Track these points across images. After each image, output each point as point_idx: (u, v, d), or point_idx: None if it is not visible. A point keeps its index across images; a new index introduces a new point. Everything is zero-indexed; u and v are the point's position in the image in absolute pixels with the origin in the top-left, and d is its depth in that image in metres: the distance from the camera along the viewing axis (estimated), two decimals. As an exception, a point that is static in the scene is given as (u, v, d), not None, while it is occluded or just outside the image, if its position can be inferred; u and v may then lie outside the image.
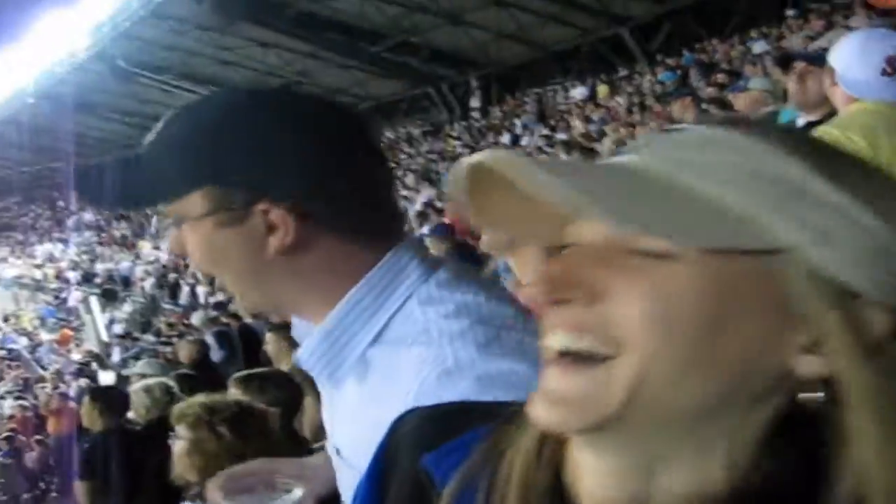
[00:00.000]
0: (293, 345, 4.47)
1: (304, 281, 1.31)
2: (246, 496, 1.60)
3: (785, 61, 4.81)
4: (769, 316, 0.68)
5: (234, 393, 4.03)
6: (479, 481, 0.78)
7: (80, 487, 6.22)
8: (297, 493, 1.63)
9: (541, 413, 0.70)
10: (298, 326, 1.45)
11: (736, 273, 0.68)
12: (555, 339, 0.70)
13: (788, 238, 0.67)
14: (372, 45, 27.53)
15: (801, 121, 4.38)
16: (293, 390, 4.44)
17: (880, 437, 0.66)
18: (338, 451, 1.40)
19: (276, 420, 3.42)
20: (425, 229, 10.62)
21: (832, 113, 3.85)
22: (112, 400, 6.59)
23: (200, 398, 3.28)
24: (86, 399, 6.75)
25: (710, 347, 0.67)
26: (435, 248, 8.79)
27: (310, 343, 1.34)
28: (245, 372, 4.65)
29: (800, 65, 4.35)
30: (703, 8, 22.42)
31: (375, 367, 1.29)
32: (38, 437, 17.28)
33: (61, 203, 49.05)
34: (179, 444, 3.16)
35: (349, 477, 1.27)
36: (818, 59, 4.13)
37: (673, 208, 0.68)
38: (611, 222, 0.66)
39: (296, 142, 1.29)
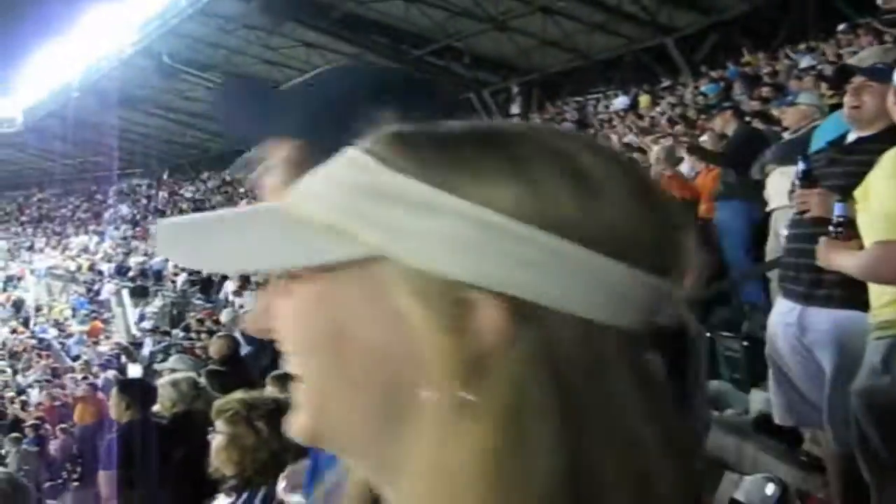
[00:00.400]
0: None
1: None
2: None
3: (843, 75, 4.68)
4: (387, 321, 0.66)
5: (270, 390, 4.24)
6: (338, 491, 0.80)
7: (104, 477, 6.18)
8: None
9: (289, 429, 0.75)
10: None
11: (345, 285, 0.68)
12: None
13: (371, 241, 0.66)
14: (415, 48, 27.58)
15: (852, 136, 4.22)
16: None
17: (425, 472, 0.65)
18: None
19: None
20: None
21: (890, 129, 3.79)
22: (139, 392, 6.57)
23: (239, 395, 3.38)
24: (114, 391, 6.75)
25: (340, 358, 0.68)
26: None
27: None
28: (282, 370, 4.67)
29: (858, 79, 4.21)
30: (750, 21, 22.19)
31: None
32: (62, 425, 17.29)
33: (99, 196, 49.49)
34: (218, 439, 3.24)
35: None
36: (878, 74, 4.04)
37: (269, 238, 0.71)
38: (188, 265, 0.76)
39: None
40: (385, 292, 0.66)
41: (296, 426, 0.73)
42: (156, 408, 6.62)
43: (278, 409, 3.22)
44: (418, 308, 0.65)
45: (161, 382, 6.76)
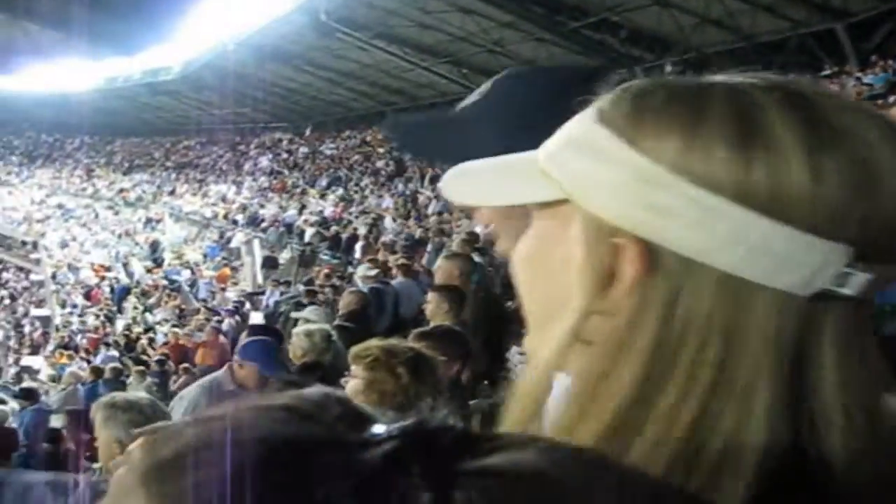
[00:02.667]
0: (451, 306, 6.57)
1: None
2: None
3: None
4: (565, 258, 0.75)
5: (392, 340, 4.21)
6: None
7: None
8: None
9: None
10: None
11: (545, 222, 0.78)
12: None
13: (562, 185, 0.74)
14: (572, 20, 26.85)
15: None
16: (466, 347, 5.04)
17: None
18: None
19: (445, 370, 3.66)
20: None
21: None
22: (270, 338, 6.80)
23: (377, 342, 3.52)
24: (244, 335, 7.15)
25: (536, 287, 0.80)
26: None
27: None
28: (424, 328, 5.14)
29: None
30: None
31: None
32: (185, 365, 17.61)
33: (242, 147, 50.45)
34: (354, 383, 3.34)
35: None
36: None
37: (508, 179, 0.82)
38: (452, 199, 0.91)
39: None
40: (569, 232, 0.74)
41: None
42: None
43: (417, 358, 3.41)
44: (582, 248, 0.73)
45: (296, 331, 7.01)
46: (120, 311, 28.77)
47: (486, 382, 6.87)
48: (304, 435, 0.50)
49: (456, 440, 0.51)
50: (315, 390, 0.55)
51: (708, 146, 0.67)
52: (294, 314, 13.96)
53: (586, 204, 0.72)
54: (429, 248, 17.44)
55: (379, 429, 0.51)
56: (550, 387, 0.73)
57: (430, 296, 6.73)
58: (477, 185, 0.85)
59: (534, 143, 1.15)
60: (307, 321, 8.70)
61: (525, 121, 1.29)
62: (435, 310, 6.46)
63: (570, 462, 0.54)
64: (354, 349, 3.53)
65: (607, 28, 26.42)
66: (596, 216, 0.71)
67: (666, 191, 0.67)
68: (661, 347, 0.67)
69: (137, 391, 14.59)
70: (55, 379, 20.08)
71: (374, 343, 3.50)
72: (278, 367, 6.36)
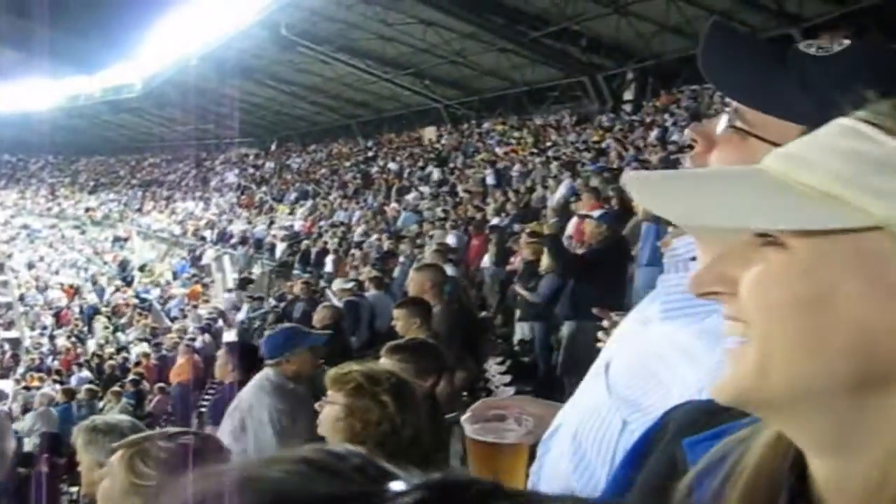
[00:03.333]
0: (421, 320, 6.38)
1: None
2: (493, 423, 1.71)
3: None
4: (877, 293, 0.68)
5: (384, 361, 4.22)
6: (721, 466, 0.81)
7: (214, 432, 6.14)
8: (527, 426, 1.71)
9: (713, 388, 0.78)
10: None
11: (834, 254, 0.70)
12: (725, 328, 0.78)
13: (875, 212, 0.68)
14: (532, 29, 27.10)
15: None
16: (440, 360, 4.81)
17: None
18: (606, 368, 1.49)
19: (424, 391, 3.55)
20: (596, 212, 10.67)
21: None
22: (244, 355, 6.78)
23: (356, 366, 3.39)
24: (222, 351, 7.12)
25: (816, 326, 0.70)
26: (595, 232, 9.36)
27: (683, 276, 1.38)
28: (397, 341, 4.92)
29: None
30: (885, 11, 20.88)
31: (707, 329, 1.27)
32: (160, 384, 17.66)
33: (207, 163, 50.40)
34: (333, 408, 3.24)
35: (594, 393, 1.46)
36: None
37: (755, 199, 0.73)
38: (673, 219, 0.79)
39: None
40: (881, 263, 0.68)
41: (727, 385, 0.75)
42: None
43: (400, 382, 3.31)
44: None
45: None
46: (90, 331, 28.71)
47: (465, 394, 7.03)
48: (324, 491, 0.50)
49: (481, 494, 0.50)
50: (336, 446, 0.56)
51: None
52: (268, 332, 14.04)
53: None
54: (401, 259, 17.62)
55: (400, 484, 0.51)
56: None
57: (397, 312, 6.62)
58: (713, 200, 0.75)
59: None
60: None
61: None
62: (406, 325, 6.37)
63: None
64: (333, 372, 3.40)
65: (568, 37, 26.70)
66: None
67: None
68: None
69: (114, 413, 14.68)
70: (26, 408, 19.65)
71: (353, 367, 3.37)
72: (313, 337, 6.21)
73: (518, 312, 10.96)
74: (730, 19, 23.13)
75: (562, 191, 16.72)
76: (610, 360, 1.52)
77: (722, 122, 1.35)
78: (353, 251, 21.04)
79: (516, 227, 14.88)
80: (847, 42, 1.29)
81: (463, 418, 1.69)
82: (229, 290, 25.10)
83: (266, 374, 5.66)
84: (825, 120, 1.04)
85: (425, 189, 25.90)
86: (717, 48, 1.40)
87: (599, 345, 1.92)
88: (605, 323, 2.07)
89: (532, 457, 1.66)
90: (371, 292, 13.10)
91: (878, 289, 0.67)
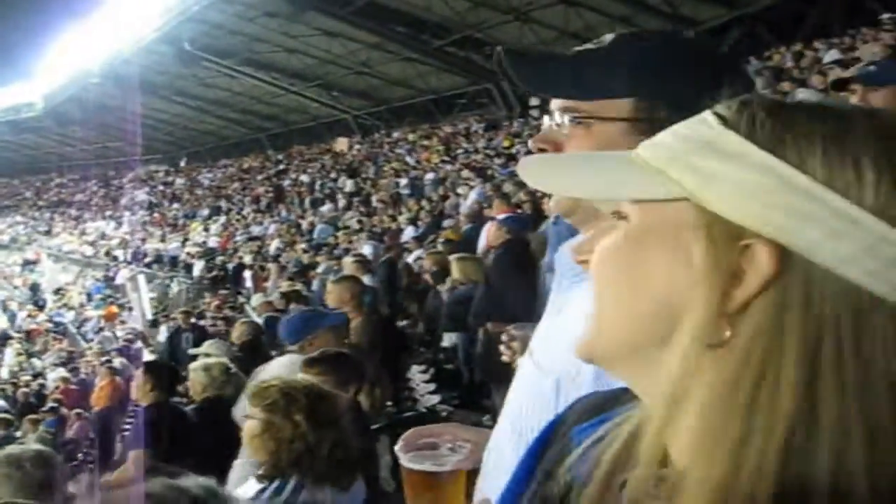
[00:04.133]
0: (355, 295, 6.86)
1: None
2: (428, 451, 1.69)
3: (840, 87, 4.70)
4: (679, 260, 0.75)
5: (301, 376, 4.09)
6: (602, 442, 0.88)
7: (136, 456, 6.06)
8: (463, 451, 1.68)
9: (574, 350, 0.85)
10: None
11: (653, 223, 0.77)
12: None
13: (686, 186, 0.74)
14: (436, 38, 27.48)
15: None
16: (360, 370, 4.76)
17: (668, 394, 0.74)
18: (531, 354, 1.56)
19: (346, 403, 3.58)
20: (501, 216, 10.57)
21: None
22: (164, 375, 6.59)
23: (277, 381, 3.37)
24: (139, 371, 6.75)
25: (634, 287, 0.77)
26: (497, 235, 9.38)
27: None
28: (316, 353, 4.79)
29: (857, 86, 4.24)
30: (774, 14, 21.96)
31: None
32: (78, 410, 17.37)
33: (116, 182, 49.62)
34: (253, 424, 3.23)
35: (528, 378, 1.53)
36: (875, 78, 4.15)
37: (608, 175, 0.81)
38: (537, 186, 0.87)
39: (714, 76, 1.39)
40: (681, 232, 0.75)
41: (579, 347, 0.84)
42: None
43: (316, 401, 3.29)
44: (704, 248, 0.73)
45: (193, 367, 6.78)
46: (2, 358, 28.13)
47: (389, 403, 7.22)
48: None
49: None
50: (186, 478, 0.66)
51: (856, 162, 0.69)
52: (192, 350, 13.99)
53: (714, 204, 0.73)
54: (319, 271, 17.74)
55: None
56: (686, 396, 0.72)
57: (330, 286, 6.61)
58: (577, 176, 0.84)
59: (665, 95, 1.42)
60: (207, 356, 8.14)
61: (664, 78, 1.46)
62: (338, 300, 6.44)
63: None
64: (252, 387, 3.41)
65: (471, 45, 27.08)
66: (722, 217, 0.72)
67: (810, 198, 0.69)
68: (807, 350, 0.68)
69: (31, 442, 14.55)
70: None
71: (272, 382, 3.37)
72: (331, 317, 6.13)
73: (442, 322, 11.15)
74: (628, 24, 23.81)
75: (473, 196, 16.97)
76: (533, 349, 1.58)
77: (558, 123, 1.51)
78: (269, 265, 21.09)
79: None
80: (612, 36, 1.52)
81: (396, 448, 1.69)
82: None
83: (291, 358, 5.55)
84: (635, 89, 1.44)
85: (340, 201, 26.02)
86: (525, 65, 1.54)
87: (504, 358, 2.03)
88: (504, 336, 2.09)
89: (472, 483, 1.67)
90: (293, 306, 13.17)
91: (680, 255, 0.74)
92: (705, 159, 0.74)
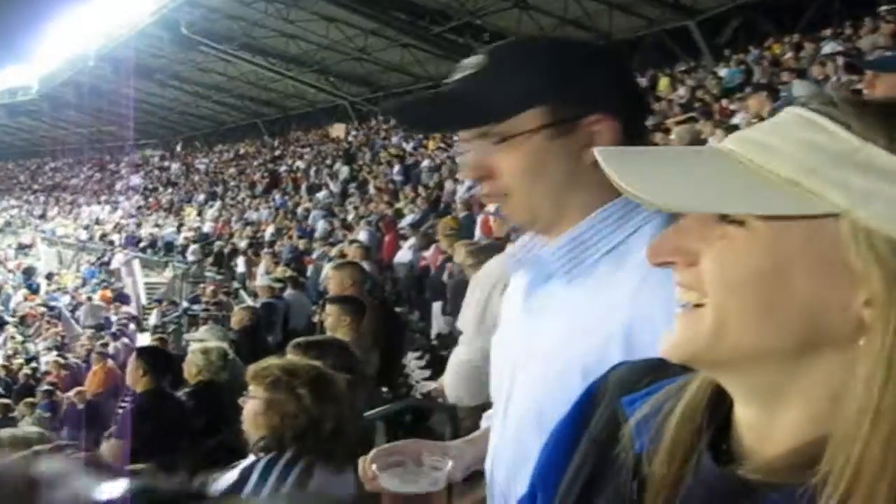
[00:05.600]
0: (352, 318, 6.14)
1: (588, 191, 1.51)
2: (399, 469, 1.73)
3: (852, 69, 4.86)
4: (828, 273, 0.76)
5: (290, 357, 4.08)
6: (657, 415, 0.93)
7: (112, 446, 6.08)
8: (447, 466, 1.75)
9: (663, 347, 0.87)
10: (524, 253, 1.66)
11: (792, 236, 0.78)
12: (677, 294, 0.86)
13: (836, 202, 0.75)
14: (435, 24, 27.36)
15: None
16: (351, 358, 4.71)
17: (869, 406, 0.74)
18: (529, 354, 1.57)
19: (345, 386, 3.48)
20: (492, 207, 10.54)
21: None
22: (158, 360, 6.58)
23: (276, 360, 3.40)
24: (132, 357, 6.73)
25: (771, 299, 0.78)
26: (499, 226, 9.39)
27: (557, 243, 1.54)
28: (304, 338, 4.81)
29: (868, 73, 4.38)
30: (774, 4, 21.90)
31: (602, 273, 1.50)
32: (71, 394, 17.34)
33: (112, 166, 49.54)
34: (254, 403, 3.24)
35: (545, 372, 1.51)
36: (885, 65, 4.27)
37: (725, 183, 0.80)
38: (650, 203, 0.80)
39: (612, 66, 1.57)
40: (836, 248, 0.76)
41: (679, 345, 0.85)
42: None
43: (319, 377, 3.30)
44: (873, 266, 0.74)
45: (192, 349, 6.84)
46: (-4, 342, 28.07)
47: (384, 389, 7.17)
48: None
49: None
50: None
51: None
52: (187, 335, 13.98)
53: (871, 222, 0.74)
54: (314, 257, 17.72)
55: None
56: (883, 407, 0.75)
57: (330, 308, 6.46)
58: (686, 184, 0.81)
59: (571, 94, 1.48)
60: (202, 340, 8.34)
61: (566, 72, 1.50)
62: (335, 322, 6.27)
63: None
64: (253, 368, 3.39)
65: (470, 32, 26.99)
66: (882, 233, 0.74)
67: None
68: None
69: (26, 425, 14.52)
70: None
71: (273, 361, 3.38)
72: None
73: (437, 306, 11.14)
74: (626, 12, 23.84)
75: (468, 184, 16.96)
76: (529, 354, 1.57)
77: (482, 148, 1.52)
78: (264, 251, 21.04)
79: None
80: (482, 60, 1.53)
81: (374, 468, 1.73)
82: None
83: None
84: (540, 97, 1.47)
85: (335, 187, 25.96)
86: (421, 110, 1.60)
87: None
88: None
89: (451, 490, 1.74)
90: (289, 292, 13.16)
91: (830, 270, 0.76)
92: (852, 175, 0.75)
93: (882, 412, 0.73)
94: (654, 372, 1.01)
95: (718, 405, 0.89)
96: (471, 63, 1.54)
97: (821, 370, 0.79)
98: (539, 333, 1.58)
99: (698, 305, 0.83)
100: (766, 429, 0.83)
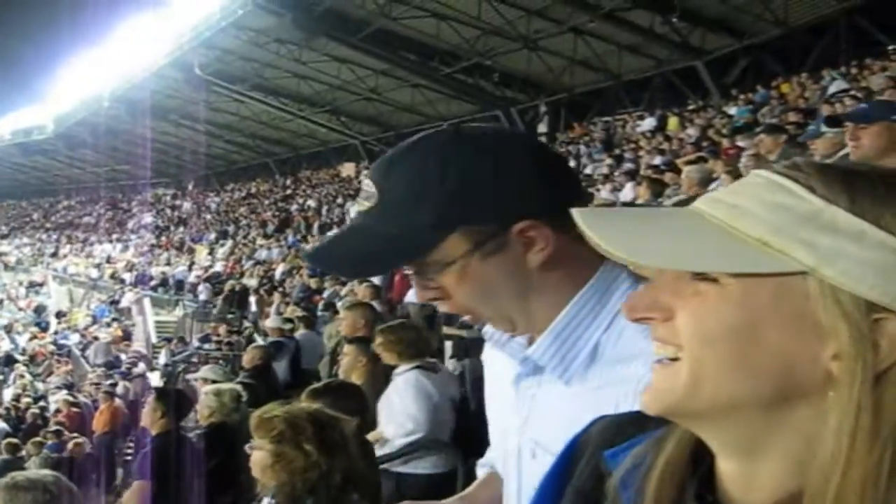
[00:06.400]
0: (368, 359, 6.19)
1: (550, 291, 1.45)
2: None
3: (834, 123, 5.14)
4: (798, 328, 0.79)
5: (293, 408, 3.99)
6: (642, 466, 0.94)
7: (138, 487, 6.09)
8: None
9: (641, 400, 0.88)
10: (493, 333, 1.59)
11: (763, 293, 0.80)
12: (654, 348, 0.88)
13: (803, 261, 0.78)
14: (445, 65, 27.58)
15: None
16: (363, 400, 4.73)
17: (840, 454, 0.77)
18: (536, 444, 1.51)
19: (352, 428, 3.45)
20: None
21: None
22: (176, 402, 6.53)
23: (277, 409, 3.35)
24: (151, 398, 6.72)
25: (744, 353, 0.81)
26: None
27: (541, 343, 1.46)
28: (321, 384, 4.86)
29: (849, 125, 4.55)
30: (781, 45, 22.11)
31: (599, 371, 1.43)
32: (77, 434, 17.28)
33: (124, 205, 49.73)
34: (261, 455, 3.23)
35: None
36: (864, 116, 4.44)
37: (698, 242, 0.83)
38: (628, 260, 0.84)
39: (523, 164, 1.44)
40: (803, 305, 0.79)
41: (657, 398, 0.86)
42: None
43: (323, 427, 3.26)
44: (840, 322, 0.77)
45: (206, 390, 6.83)
46: (6, 381, 28.03)
47: None
48: None
49: None
50: None
51: None
52: (189, 376, 13.87)
53: (837, 279, 0.77)
54: (324, 295, 17.69)
55: None
56: (852, 455, 0.78)
57: (348, 348, 6.46)
58: (662, 242, 0.85)
59: (483, 210, 1.38)
60: (205, 380, 8.38)
61: (474, 189, 1.39)
62: (352, 363, 6.29)
63: None
64: (256, 416, 3.39)
65: (480, 72, 27.19)
66: (846, 291, 0.77)
67: None
68: None
69: (34, 465, 14.44)
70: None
71: (276, 412, 3.34)
72: None
73: (449, 349, 11.08)
74: (637, 53, 23.96)
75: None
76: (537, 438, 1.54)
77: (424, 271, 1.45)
78: (276, 290, 21.03)
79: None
80: (373, 187, 1.43)
81: None
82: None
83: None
84: (453, 223, 1.37)
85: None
86: (339, 258, 1.51)
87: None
88: None
89: None
90: (301, 332, 13.11)
91: (800, 325, 0.79)
92: (817, 235, 0.78)
93: (852, 462, 0.76)
94: (635, 424, 1.01)
95: (702, 456, 0.91)
96: (364, 191, 1.45)
97: (795, 422, 0.81)
98: (542, 425, 1.53)
99: (674, 359, 0.85)
100: (748, 480, 0.86)
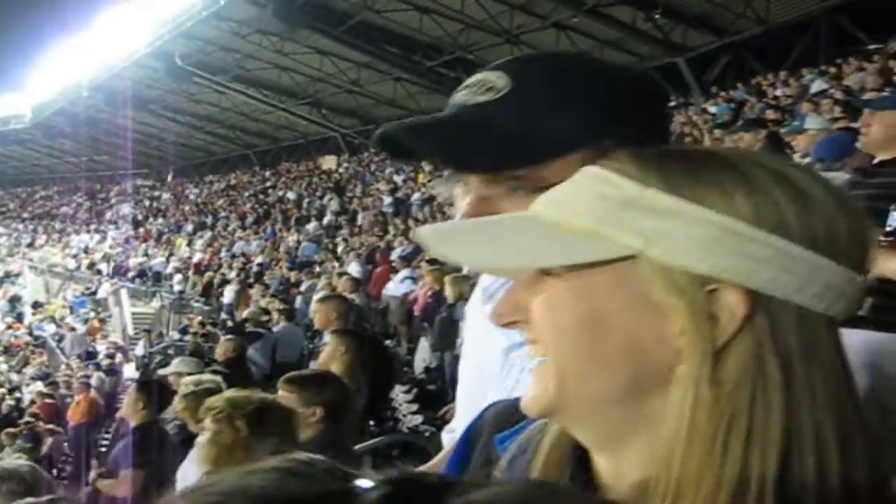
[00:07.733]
0: (348, 350, 5.82)
1: None
2: None
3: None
4: (640, 311, 0.80)
5: (281, 393, 4.10)
6: (526, 452, 0.95)
7: (133, 476, 6.09)
8: None
9: (521, 405, 0.89)
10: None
11: (601, 281, 0.81)
12: (528, 351, 0.88)
13: (631, 245, 0.79)
14: (427, 58, 27.58)
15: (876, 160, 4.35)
16: (341, 391, 4.68)
17: (682, 426, 0.78)
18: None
19: (297, 419, 3.47)
20: None
21: None
22: (156, 394, 6.60)
23: (229, 393, 3.42)
24: (132, 389, 6.78)
25: (596, 342, 0.81)
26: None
27: None
28: (297, 373, 4.77)
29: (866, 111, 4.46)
30: (762, 42, 22.25)
31: None
32: (54, 424, 17.20)
33: (102, 195, 49.43)
34: (203, 435, 3.27)
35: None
36: (880, 104, 4.36)
37: (532, 241, 0.85)
38: (466, 264, 0.94)
39: (657, 93, 1.41)
40: (641, 287, 0.80)
41: (533, 401, 0.87)
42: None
43: (262, 409, 3.27)
44: (675, 299, 0.78)
45: (185, 382, 6.61)
46: (-20, 371, 27.81)
47: (371, 423, 7.08)
48: (298, 491, 0.53)
49: (439, 482, 0.55)
50: (300, 454, 0.59)
51: (773, 201, 0.78)
52: (161, 371, 13.76)
53: (666, 258, 0.78)
54: (302, 288, 17.64)
55: (365, 482, 0.54)
56: (695, 433, 0.78)
57: (329, 338, 6.38)
58: (498, 245, 0.87)
59: (622, 135, 1.19)
60: (178, 374, 8.14)
61: (611, 111, 1.26)
62: (331, 353, 6.18)
63: (549, 492, 0.63)
64: (207, 401, 3.41)
65: (462, 66, 27.14)
66: (684, 269, 0.78)
67: (755, 241, 0.77)
68: (784, 377, 0.76)
69: (9, 456, 14.32)
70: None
71: (225, 394, 3.41)
72: None
73: (426, 341, 11.07)
74: (619, 49, 24.00)
75: (458, 217, 16.87)
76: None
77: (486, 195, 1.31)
78: (253, 282, 20.93)
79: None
80: (506, 80, 1.26)
81: None
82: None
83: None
84: (584, 139, 1.21)
85: (325, 219, 25.90)
86: (436, 137, 1.29)
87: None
88: None
89: None
90: (280, 325, 13.02)
91: (641, 307, 0.80)
92: (640, 218, 0.79)
93: (694, 435, 0.77)
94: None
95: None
96: (485, 83, 1.27)
97: (655, 408, 0.81)
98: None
99: (544, 360, 0.86)
100: (616, 472, 0.87)
